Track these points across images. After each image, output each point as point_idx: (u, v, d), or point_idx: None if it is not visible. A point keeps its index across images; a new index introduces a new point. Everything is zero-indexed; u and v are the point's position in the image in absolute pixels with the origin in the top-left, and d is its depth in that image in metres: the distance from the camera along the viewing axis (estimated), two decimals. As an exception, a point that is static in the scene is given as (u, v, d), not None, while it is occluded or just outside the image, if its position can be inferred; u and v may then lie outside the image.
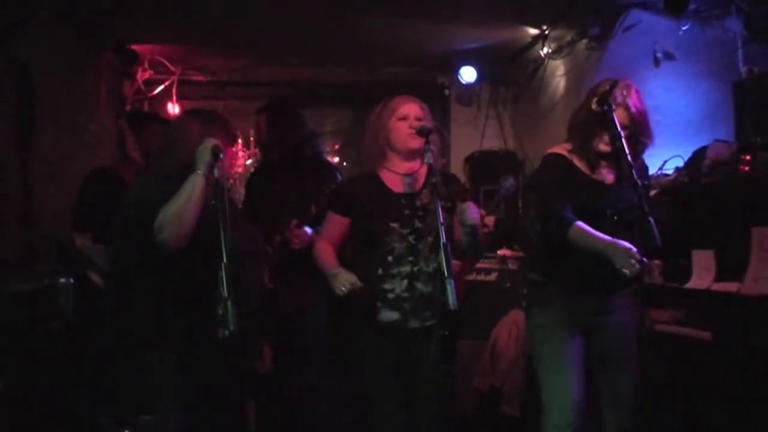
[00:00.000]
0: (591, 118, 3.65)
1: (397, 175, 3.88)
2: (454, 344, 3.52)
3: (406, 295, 3.75)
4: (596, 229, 3.54)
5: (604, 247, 3.44)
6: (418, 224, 3.79)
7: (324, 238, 3.98)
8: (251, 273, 3.52)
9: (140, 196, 3.33)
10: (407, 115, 3.81)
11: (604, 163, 3.76)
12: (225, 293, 2.90)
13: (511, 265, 6.12)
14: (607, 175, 3.77)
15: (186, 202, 3.18)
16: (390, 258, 3.76)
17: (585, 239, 3.53)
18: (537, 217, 3.86)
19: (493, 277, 6.12)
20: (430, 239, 3.77)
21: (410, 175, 3.88)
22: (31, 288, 4.44)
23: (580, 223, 3.56)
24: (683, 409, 4.37)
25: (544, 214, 3.77)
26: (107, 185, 4.78)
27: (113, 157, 7.16)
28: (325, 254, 3.90)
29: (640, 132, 3.68)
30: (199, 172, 3.21)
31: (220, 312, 2.89)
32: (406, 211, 3.80)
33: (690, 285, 4.43)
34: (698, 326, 4.11)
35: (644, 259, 3.35)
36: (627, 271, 3.31)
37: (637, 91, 3.74)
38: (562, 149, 3.81)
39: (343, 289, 3.65)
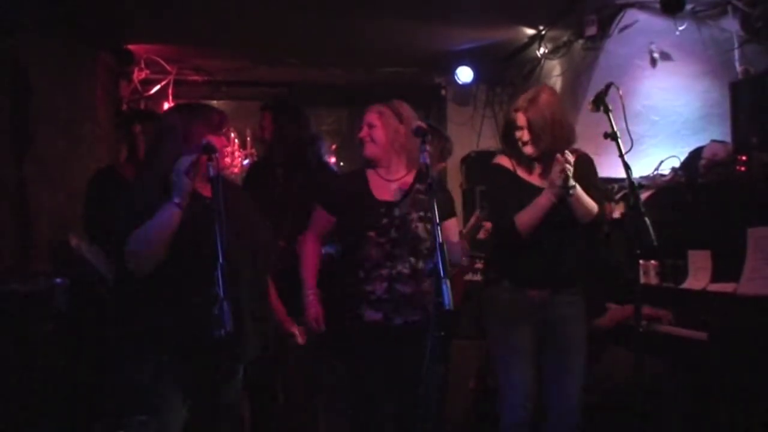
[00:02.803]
0: (510, 125, 3.96)
1: (384, 181, 3.97)
2: (446, 344, 3.56)
3: (386, 296, 3.85)
4: (538, 229, 3.84)
5: (546, 197, 3.79)
6: (394, 234, 3.87)
7: (313, 230, 4.10)
8: (256, 269, 3.47)
9: (127, 206, 3.30)
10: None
11: (538, 168, 3.99)
12: (221, 293, 2.89)
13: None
14: (543, 178, 3.95)
15: (158, 233, 3.14)
16: (367, 264, 3.86)
17: (531, 214, 3.83)
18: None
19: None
20: (406, 246, 3.86)
21: (396, 181, 3.96)
22: (26, 289, 4.44)
23: (517, 214, 3.86)
24: (680, 410, 4.37)
25: (495, 223, 4.17)
26: (111, 186, 4.76)
27: (110, 157, 7.17)
28: (308, 264, 4.05)
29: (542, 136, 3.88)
30: (176, 201, 3.14)
31: (216, 312, 2.87)
32: (384, 220, 3.87)
33: (686, 285, 4.43)
34: (694, 327, 4.11)
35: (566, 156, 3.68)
36: (568, 168, 3.66)
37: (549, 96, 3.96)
38: (505, 159, 4.05)
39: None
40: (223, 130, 3.42)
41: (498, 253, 4.15)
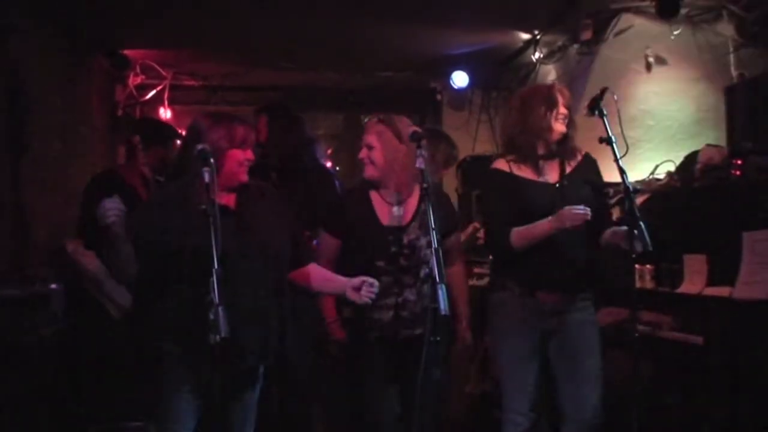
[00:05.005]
0: (552, 99, 3.89)
1: (387, 204, 3.94)
2: (446, 349, 3.55)
3: (392, 322, 3.86)
4: None
5: (549, 225, 3.70)
6: (403, 262, 3.85)
7: (323, 258, 3.97)
8: (265, 276, 3.45)
9: (144, 220, 3.33)
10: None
11: (545, 164, 3.96)
12: (216, 299, 2.89)
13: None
14: (551, 175, 3.95)
15: None
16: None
17: (530, 235, 3.78)
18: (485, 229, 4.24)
19: (485, 281, 6.11)
20: (415, 272, 3.86)
21: (401, 205, 3.93)
22: (22, 294, 4.43)
23: (515, 229, 3.81)
24: (675, 414, 4.37)
25: (488, 232, 4.10)
26: (112, 190, 4.75)
27: (106, 161, 7.17)
28: (327, 296, 4.05)
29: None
30: None
31: (212, 317, 2.87)
32: (393, 249, 3.85)
33: (682, 290, 4.43)
34: (690, 331, 4.11)
35: (586, 209, 3.62)
36: (579, 218, 3.60)
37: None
38: (503, 162, 4.00)
39: (369, 300, 3.46)
40: (248, 144, 3.40)
41: (506, 258, 4.03)
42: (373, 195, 3.96)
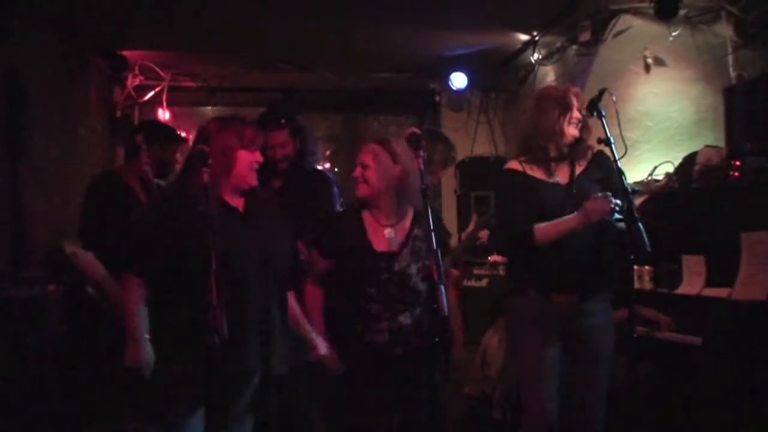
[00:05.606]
0: (567, 102, 3.87)
1: (380, 226, 3.88)
2: (446, 350, 3.54)
3: (387, 342, 3.79)
4: None
5: (577, 220, 3.65)
6: (393, 290, 3.79)
7: (314, 276, 3.95)
8: (267, 281, 3.45)
9: (140, 228, 3.36)
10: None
11: (557, 166, 3.94)
12: (214, 301, 2.89)
13: (503, 271, 6.10)
14: (562, 176, 3.92)
15: None
16: (367, 315, 3.79)
17: (555, 231, 3.73)
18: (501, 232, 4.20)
19: (484, 282, 6.12)
20: (407, 298, 3.81)
21: (393, 227, 3.88)
22: (21, 295, 4.42)
23: (537, 225, 3.76)
24: (673, 415, 4.37)
25: (507, 233, 4.01)
26: (114, 191, 4.74)
27: (104, 163, 7.17)
28: (314, 312, 3.93)
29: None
30: None
31: (210, 319, 2.87)
32: (384, 275, 3.79)
33: (680, 290, 4.43)
34: (688, 332, 4.11)
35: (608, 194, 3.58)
36: (605, 208, 3.53)
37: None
38: (516, 163, 3.99)
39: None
40: (257, 146, 3.41)
41: (520, 258, 4.02)
42: (366, 216, 3.90)
